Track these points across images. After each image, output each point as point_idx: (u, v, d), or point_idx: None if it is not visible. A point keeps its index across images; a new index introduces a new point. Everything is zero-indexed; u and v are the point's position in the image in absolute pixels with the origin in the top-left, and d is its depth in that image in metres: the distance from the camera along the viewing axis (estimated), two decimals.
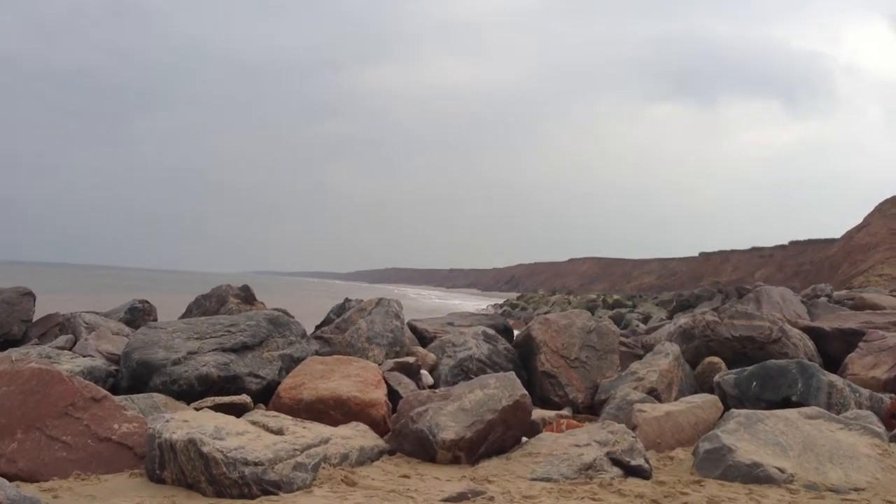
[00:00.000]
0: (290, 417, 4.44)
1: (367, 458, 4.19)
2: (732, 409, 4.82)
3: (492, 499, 3.55)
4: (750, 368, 5.58)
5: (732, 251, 76.10)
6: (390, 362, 5.98)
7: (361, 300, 7.21)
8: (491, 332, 7.07)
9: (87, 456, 3.92)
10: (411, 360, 6.19)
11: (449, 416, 4.34)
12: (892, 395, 5.67)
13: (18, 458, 3.81)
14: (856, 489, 3.97)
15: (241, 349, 5.63)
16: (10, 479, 3.65)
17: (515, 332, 8.01)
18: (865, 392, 5.48)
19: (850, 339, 6.83)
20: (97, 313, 7.38)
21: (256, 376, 5.51)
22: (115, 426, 4.10)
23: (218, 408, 4.83)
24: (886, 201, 43.65)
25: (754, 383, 5.45)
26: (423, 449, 4.29)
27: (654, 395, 5.71)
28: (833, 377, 5.48)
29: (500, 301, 50.45)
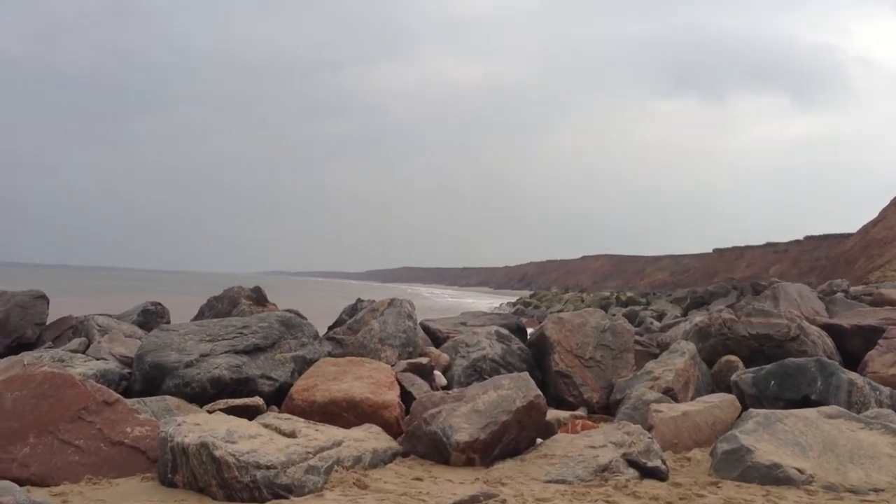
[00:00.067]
0: (302, 420, 4.42)
1: (381, 460, 4.15)
2: (751, 409, 4.74)
3: (504, 501, 3.50)
4: (768, 367, 5.50)
5: (746, 247, 75.49)
6: (403, 363, 5.95)
7: (374, 301, 7.18)
8: (504, 331, 7.01)
9: (100, 460, 3.91)
10: (424, 360, 6.15)
11: (462, 418, 4.30)
12: None
13: (31, 462, 3.81)
14: (875, 490, 3.89)
15: (253, 351, 5.61)
16: (22, 483, 3.65)
17: (529, 331, 7.95)
18: (886, 390, 5.38)
19: (870, 335, 6.72)
20: (110, 316, 7.40)
21: (269, 378, 5.49)
22: (128, 430, 4.09)
23: (230, 410, 4.81)
24: None
25: (772, 382, 5.37)
26: (437, 451, 4.25)
27: (670, 394, 5.64)
28: (853, 375, 5.38)
29: (513, 299, 50.35)
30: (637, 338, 7.34)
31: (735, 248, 77.20)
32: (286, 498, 3.49)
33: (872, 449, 4.25)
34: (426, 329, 7.43)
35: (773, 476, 3.95)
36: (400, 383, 5.43)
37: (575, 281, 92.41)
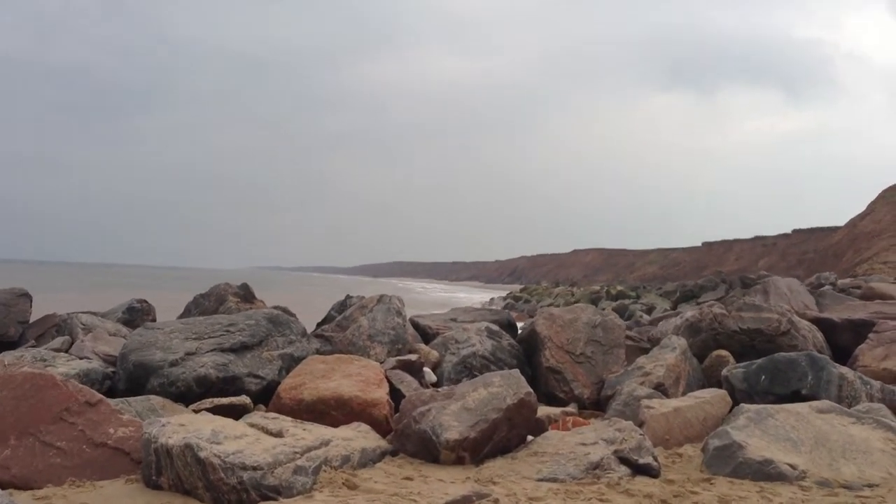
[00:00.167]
0: (290, 419, 4.36)
1: (370, 459, 4.09)
2: (742, 405, 4.72)
3: (496, 501, 3.45)
4: (759, 362, 5.47)
5: (735, 240, 75.86)
6: (392, 360, 5.89)
7: (363, 297, 7.11)
8: (494, 327, 6.96)
9: (82, 462, 3.83)
10: (414, 357, 6.09)
11: (452, 416, 4.24)
12: None
13: (12, 464, 3.73)
14: (869, 485, 3.87)
15: (240, 349, 5.54)
16: (4, 486, 3.58)
17: (519, 325, 7.92)
18: (877, 384, 5.37)
19: (860, 329, 6.72)
20: (94, 314, 7.29)
21: (256, 377, 5.41)
22: (111, 431, 4.00)
23: (217, 409, 4.75)
24: (890, 188, 43.31)
25: (763, 377, 5.35)
26: (427, 450, 4.19)
27: (661, 390, 5.61)
28: (844, 369, 5.37)
29: (504, 293, 50.38)
30: (628, 333, 7.31)
31: (724, 242, 77.58)
32: (274, 499, 3.42)
33: (865, 444, 4.23)
34: (416, 325, 7.37)
35: (765, 472, 3.93)
36: (389, 381, 5.37)
37: (566, 275, 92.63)
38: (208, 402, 4.87)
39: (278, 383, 5.27)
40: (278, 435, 3.95)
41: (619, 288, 37.02)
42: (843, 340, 6.85)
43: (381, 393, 5.04)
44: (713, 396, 5.13)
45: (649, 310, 21.02)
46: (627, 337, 7.14)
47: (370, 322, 6.41)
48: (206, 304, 7.51)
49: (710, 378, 6.21)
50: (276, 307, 6.93)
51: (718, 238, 79.25)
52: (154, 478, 3.61)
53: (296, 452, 3.70)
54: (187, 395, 5.09)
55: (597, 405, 6.15)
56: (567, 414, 5.47)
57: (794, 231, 66.83)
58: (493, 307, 28.11)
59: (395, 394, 5.25)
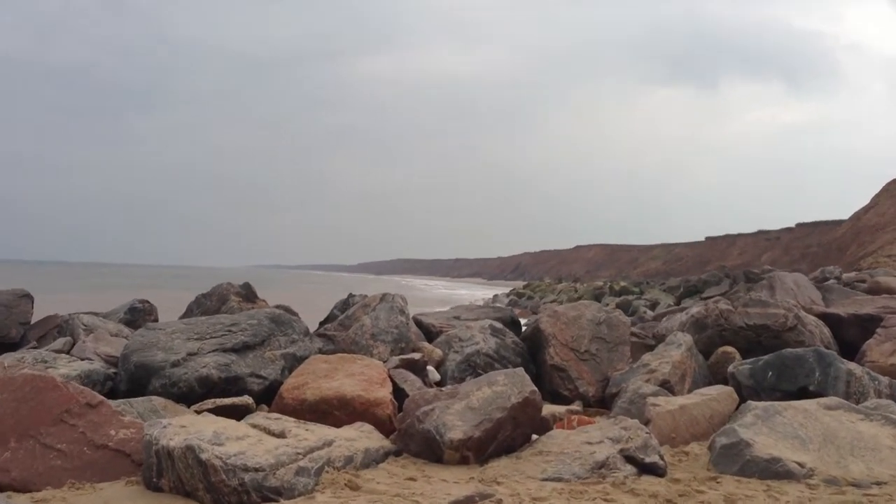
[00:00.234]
0: (292, 419, 4.32)
1: (373, 459, 4.05)
2: (749, 402, 4.66)
3: (500, 501, 3.41)
4: (765, 358, 5.42)
5: (738, 235, 75.69)
6: (395, 359, 5.84)
7: (365, 295, 7.07)
8: (498, 325, 6.92)
9: (83, 464, 3.80)
10: (417, 356, 6.05)
11: (456, 415, 4.20)
12: None
13: (11, 467, 3.69)
14: (878, 483, 3.81)
15: (242, 349, 5.50)
16: (3, 489, 3.56)
17: (523, 322, 7.87)
18: (885, 380, 5.32)
19: (868, 325, 6.65)
20: (96, 314, 7.26)
21: (258, 377, 5.38)
22: (112, 432, 3.97)
23: (219, 410, 4.72)
24: (894, 181, 43.10)
25: (770, 373, 5.30)
26: (430, 449, 4.16)
27: (666, 387, 5.56)
28: (852, 365, 5.31)
29: (507, 290, 50.34)
30: (633, 330, 7.26)
31: (727, 236, 77.41)
32: (276, 501, 3.39)
33: (873, 441, 4.18)
34: (419, 324, 7.33)
35: (772, 470, 3.87)
36: (392, 380, 5.33)
37: (568, 271, 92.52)
38: (210, 403, 4.84)
39: (281, 383, 5.23)
40: (281, 436, 3.91)
41: (623, 284, 36.92)
42: (850, 336, 6.79)
43: (385, 392, 5.00)
44: (719, 393, 5.08)
45: (653, 305, 20.94)
46: (632, 334, 7.09)
47: (373, 321, 6.37)
48: (208, 303, 7.48)
49: (716, 375, 6.16)
50: (278, 306, 6.89)
51: (721, 232, 79.16)
52: (155, 480, 3.58)
53: (298, 453, 3.67)
54: (189, 395, 5.06)
55: (602, 403, 6.10)
56: (572, 412, 5.43)
57: (798, 225, 66.65)
58: (498, 304, 28.08)
59: (399, 393, 5.21)
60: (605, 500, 3.52)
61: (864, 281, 12.04)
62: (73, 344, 6.18)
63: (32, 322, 7.33)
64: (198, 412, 4.62)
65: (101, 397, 4.21)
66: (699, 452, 4.38)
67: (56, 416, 3.93)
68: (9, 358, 5.09)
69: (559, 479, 3.80)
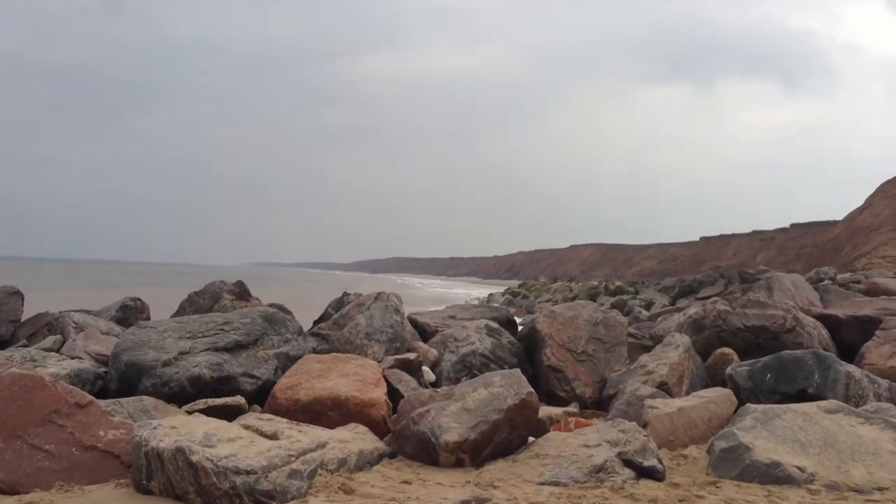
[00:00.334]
0: (285, 420, 4.24)
1: (367, 462, 3.99)
2: (748, 405, 4.60)
3: None
4: (764, 360, 5.37)
5: (733, 235, 75.79)
6: (390, 359, 5.77)
7: (360, 294, 7.00)
8: (494, 325, 6.86)
9: (71, 465, 3.72)
10: (412, 356, 5.98)
11: (452, 417, 4.14)
12: None
13: None
14: (879, 488, 3.76)
15: (234, 348, 5.43)
16: None
17: (518, 321, 7.81)
18: (884, 383, 5.27)
19: (866, 326, 6.61)
20: (87, 312, 7.17)
21: (251, 376, 5.31)
22: (101, 433, 3.90)
23: (211, 410, 4.65)
24: (888, 182, 43.18)
25: (769, 375, 5.24)
26: (426, 452, 4.09)
27: (664, 389, 5.51)
28: (851, 368, 5.27)
29: (502, 289, 50.31)
30: (630, 330, 7.21)
31: (722, 236, 77.51)
32: None
33: (874, 445, 4.13)
34: (414, 323, 7.26)
35: (772, 475, 3.82)
36: (387, 380, 5.26)
37: (564, 270, 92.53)
38: (202, 403, 4.77)
39: (274, 383, 5.16)
40: (273, 437, 3.84)
41: (618, 283, 36.91)
42: (849, 337, 6.75)
43: (379, 393, 4.93)
44: (718, 396, 5.03)
45: (648, 305, 20.93)
46: (629, 334, 7.04)
47: (368, 320, 6.30)
48: (201, 302, 7.40)
49: (714, 377, 6.11)
50: (271, 305, 6.82)
51: (716, 232, 79.24)
52: (144, 482, 3.51)
53: (291, 456, 3.60)
54: (181, 395, 4.98)
55: (599, 405, 6.04)
56: (569, 414, 5.37)
57: (793, 225, 66.80)
58: (494, 303, 28.03)
59: (394, 394, 5.14)
60: None
61: (858, 282, 12.02)
62: (63, 342, 6.10)
63: (23, 319, 7.24)
64: (189, 413, 4.54)
65: (91, 397, 4.13)
66: (698, 456, 4.33)
67: (44, 417, 3.85)
68: None
69: (556, 483, 3.74)
